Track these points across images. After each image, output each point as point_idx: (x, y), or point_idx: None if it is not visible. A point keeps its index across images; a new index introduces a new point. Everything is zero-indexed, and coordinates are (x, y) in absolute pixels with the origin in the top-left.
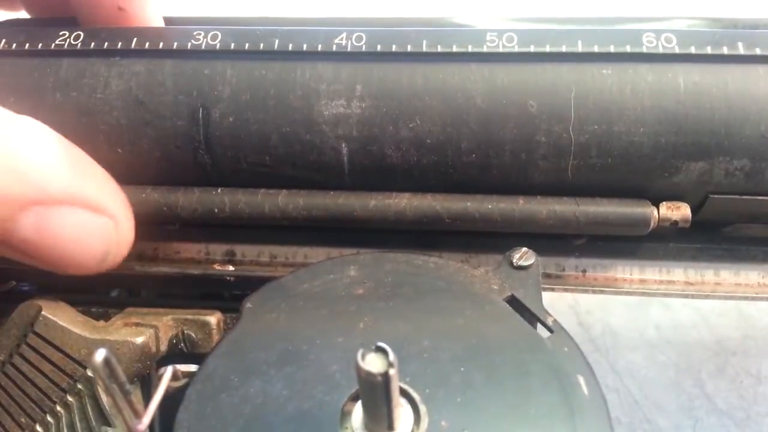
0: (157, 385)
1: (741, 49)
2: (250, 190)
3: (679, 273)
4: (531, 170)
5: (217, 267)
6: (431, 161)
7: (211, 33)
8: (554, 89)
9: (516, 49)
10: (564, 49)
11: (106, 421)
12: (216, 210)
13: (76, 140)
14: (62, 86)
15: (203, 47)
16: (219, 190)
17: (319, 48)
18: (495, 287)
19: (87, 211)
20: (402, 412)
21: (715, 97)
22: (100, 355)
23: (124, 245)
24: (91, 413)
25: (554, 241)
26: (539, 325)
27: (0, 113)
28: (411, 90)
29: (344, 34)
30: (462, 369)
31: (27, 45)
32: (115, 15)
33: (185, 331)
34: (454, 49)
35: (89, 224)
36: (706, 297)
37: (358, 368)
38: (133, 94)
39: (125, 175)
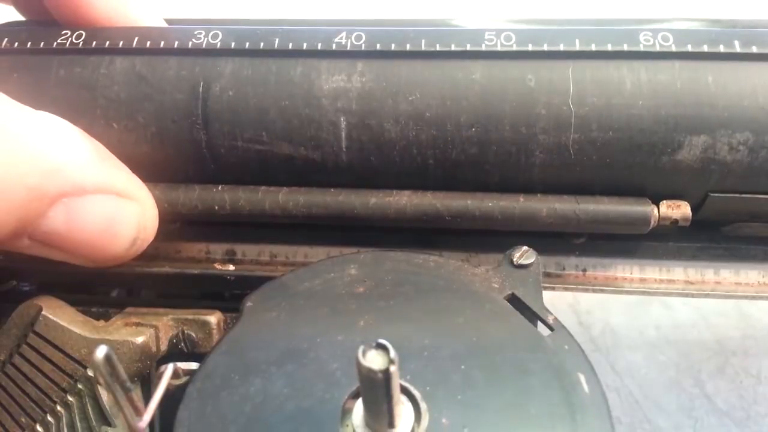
0: (157, 383)
1: (737, 48)
2: (251, 187)
3: (679, 272)
4: (531, 145)
5: (217, 266)
6: (430, 136)
7: (212, 32)
8: (552, 64)
9: (514, 48)
10: (561, 47)
11: (106, 420)
12: (216, 207)
13: (73, 114)
14: (67, 63)
15: (204, 46)
16: (219, 188)
17: (319, 47)
18: (495, 286)
19: (115, 197)
20: (403, 410)
21: (710, 71)
22: (101, 352)
23: (151, 229)
24: (91, 413)
25: (554, 240)
26: (540, 324)
27: (20, 109)
28: (411, 67)
29: (344, 34)
30: (463, 367)
31: (29, 44)
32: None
33: (185, 331)
34: (453, 48)
35: (118, 210)
36: (706, 296)
37: (359, 365)
38: (136, 69)
39: (117, 153)
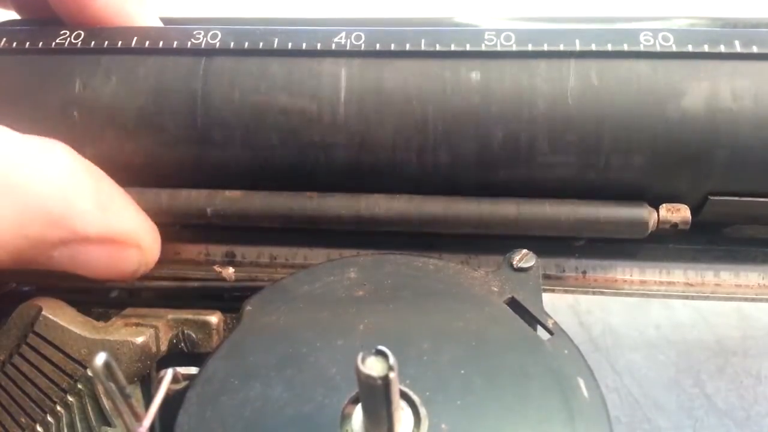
0: (157, 388)
1: (738, 47)
2: (250, 192)
3: (679, 274)
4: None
5: (216, 268)
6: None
7: (211, 32)
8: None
9: (514, 48)
10: (561, 47)
11: (106, 421)
12: (215, 213)
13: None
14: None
15: (203, 46)
16: (218, 193)
17: (319, 47)
18: (495, 289)
19: (115, 247)
20: (402, 415)
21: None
22: (100, 359)
23: (152, 261)
24: (91, 413)
25: (554, 242)
26: (539, 328)
27: (20, 146)
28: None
29: (343, 33)
30: (462, 371)
31: (27, 44)
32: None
33: (185, 331)
34: (452, 47)
35: (119, 255)
36: (706, 298)
37: (358, 372)
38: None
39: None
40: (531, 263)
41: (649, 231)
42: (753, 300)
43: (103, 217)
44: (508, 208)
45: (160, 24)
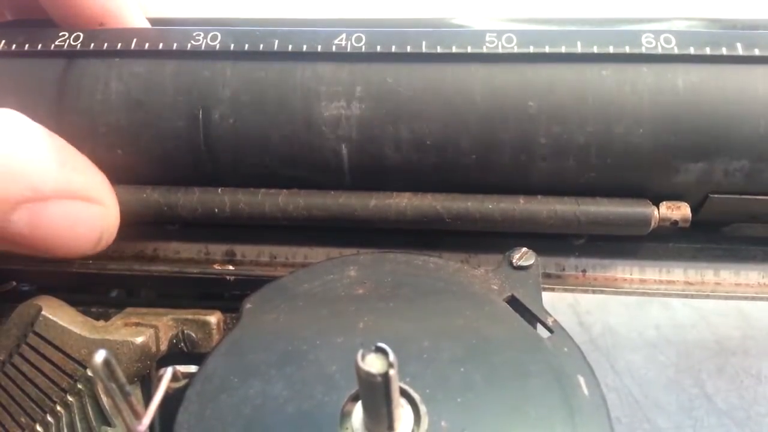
0: (157, 386)
1: (740, 50)
2: (251, 189)
3: (678, 273)
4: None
5: (217, 267)
6: (431, 163)
7: (211, 34)
8: (553, 89)
9: (515, 50)
10: (563, 49)
11: (106, 421)
12: (216, 210)
13: (74, 141)
14: (62, 87)
15: (203, 48)
16: (219, 190)
17: (319, 49)
18: (495, 287)
19: (77, 202)
20: (402, 413)
21: (713, 96)
22: (99, 356)
23: (114, 228)
24: (91, 413)
25: (554, 241)
26: (539, 326)
27: None
28: (410, 91)
29: (344, 35)
30: (462, 369)
31: (26, 46)
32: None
33: (185, 331)
34: (454, 50)
35: (80, 213)
36: (706, 297)
37: (358, 369)
38: (132, 95)
39: (125, 176)
40: (531, 261)
41: (651, 228)
42: (753, 299)
43: (63, 171)
44: (510, 206)
45: (147, 24)
